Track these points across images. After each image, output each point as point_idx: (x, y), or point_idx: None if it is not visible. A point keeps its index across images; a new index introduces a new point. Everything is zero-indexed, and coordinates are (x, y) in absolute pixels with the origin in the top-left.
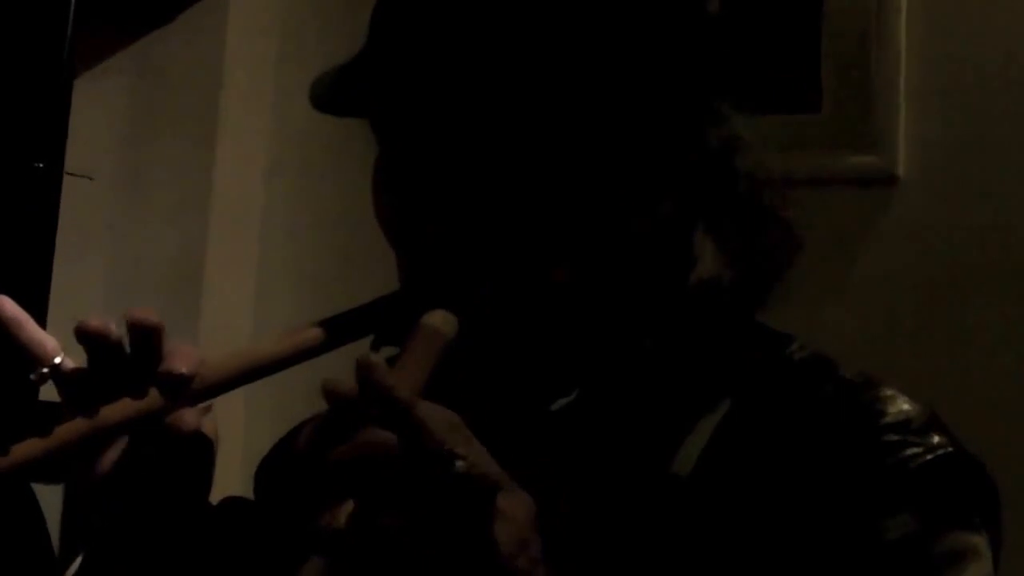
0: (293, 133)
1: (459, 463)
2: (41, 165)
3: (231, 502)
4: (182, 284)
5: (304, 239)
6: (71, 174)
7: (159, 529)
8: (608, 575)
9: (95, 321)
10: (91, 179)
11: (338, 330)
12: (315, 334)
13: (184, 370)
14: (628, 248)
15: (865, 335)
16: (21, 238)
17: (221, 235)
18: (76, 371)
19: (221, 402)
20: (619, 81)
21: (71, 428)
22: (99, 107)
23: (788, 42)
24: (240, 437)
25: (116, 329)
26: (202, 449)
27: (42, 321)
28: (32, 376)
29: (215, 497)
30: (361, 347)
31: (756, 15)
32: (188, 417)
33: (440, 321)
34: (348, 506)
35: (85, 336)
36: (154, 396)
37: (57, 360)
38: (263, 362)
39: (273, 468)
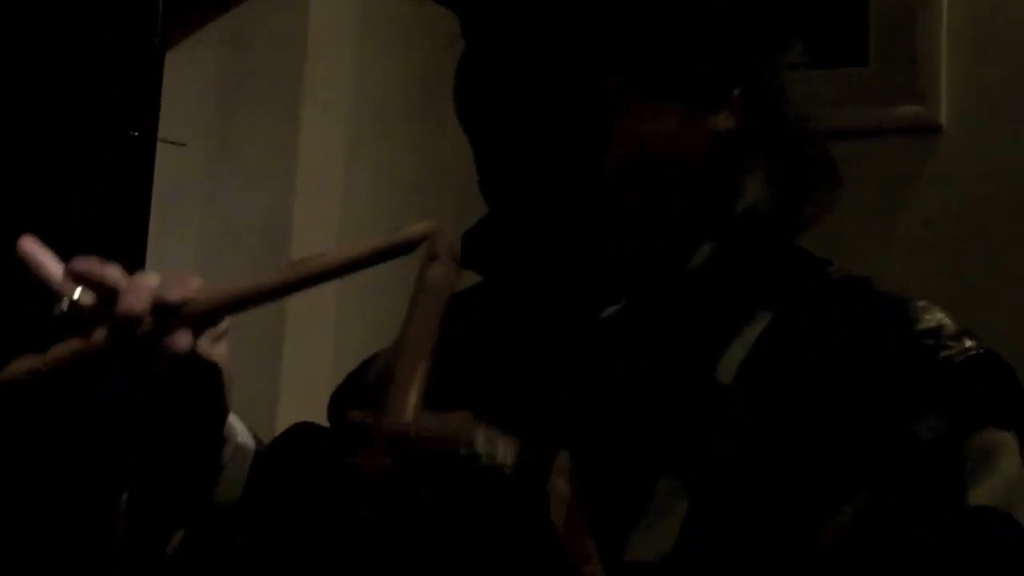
0: (374, 100)
1: (481, 450)
2: (136, 133)
3: (304, 427)
4: (271, 246)
5: (386, 202)
6: (164, 141)
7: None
8: (651, 478)
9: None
10: (184, 145)
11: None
12: (320, 263)
13: (176, 296)
14: (684, 158)
15: (912, 282)
16: (119, 203)
17: (307, 199)
18: (90, 305)
19: (311, 331)
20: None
21: (67, 346)
22: (190, 77)
23: None
24: (329, 366)
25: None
26: (209, 373)
27: None
28: (54, 311)
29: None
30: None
31: None
32: (181, 338)
33: (442, 273)
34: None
35: (74, 275)
36: (148, 321)
37: (75, 296)
38: (257, 291)
39: (344, 398)
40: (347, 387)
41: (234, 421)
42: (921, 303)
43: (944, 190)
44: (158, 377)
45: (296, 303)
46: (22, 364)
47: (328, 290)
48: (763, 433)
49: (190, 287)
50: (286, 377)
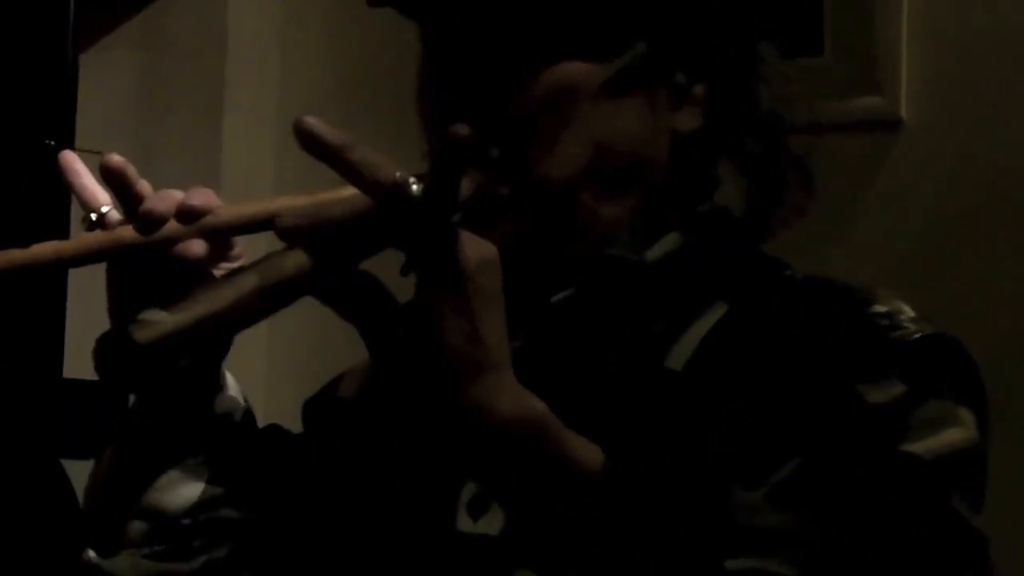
0: (299, 102)
1: (415, 186)
2: (52, 142)
3: (275, 428)
4: None
5: None
6: (82, 150)
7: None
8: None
9: (117, 159)
10: (101, 154)
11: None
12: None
13: (198, 203)
14: (642, 156)
15: (872, 280)
16: (36, 216)
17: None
18: (119, 221)
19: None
20: None
21: (92, 235)
22: (106, 81)
23: None
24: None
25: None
26: None
27: (60, 300)
28: (82, 221)
29: None
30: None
31: None
32: (195, 246)
33: None
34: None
35: (107, 170)
36: (170, 225)
37: (104, 209)
38: (276, 212)
39: (320, 404)
40: (320, 399)
41: (227, 373)
42: (881, 291)
43: (905, 185)
44: (170, 287)
45: None
46: (48, 246)
47: None
48: (710, 419)
49: (214, 200)
50: None
